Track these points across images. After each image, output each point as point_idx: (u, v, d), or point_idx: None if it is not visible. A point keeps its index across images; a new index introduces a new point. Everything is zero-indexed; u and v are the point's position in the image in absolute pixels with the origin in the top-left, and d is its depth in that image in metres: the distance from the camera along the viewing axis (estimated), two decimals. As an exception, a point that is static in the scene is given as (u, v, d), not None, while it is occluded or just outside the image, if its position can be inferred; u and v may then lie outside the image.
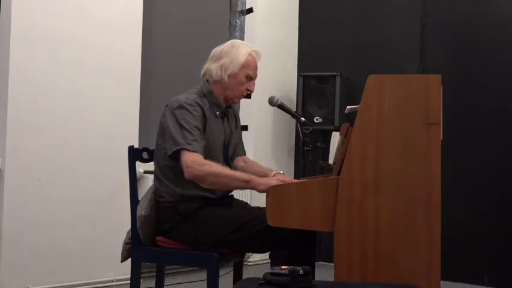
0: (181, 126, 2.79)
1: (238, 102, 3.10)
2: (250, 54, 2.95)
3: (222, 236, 2.79)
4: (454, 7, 5.21)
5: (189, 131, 2.78)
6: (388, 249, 2.51)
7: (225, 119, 3.03)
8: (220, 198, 2.92)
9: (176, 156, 2.78)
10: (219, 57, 2.95)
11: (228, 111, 3.04)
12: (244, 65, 2.93)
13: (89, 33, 4.27)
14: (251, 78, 2.96)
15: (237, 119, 3.14)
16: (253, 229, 2.75)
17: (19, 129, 3.91)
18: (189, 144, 2.75)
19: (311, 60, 5.94)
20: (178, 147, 2.76)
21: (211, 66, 2.95)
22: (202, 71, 3.00)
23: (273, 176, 2.93)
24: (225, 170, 2.79)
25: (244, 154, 3.22)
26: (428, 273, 2.50)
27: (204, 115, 2.87)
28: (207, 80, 2.99)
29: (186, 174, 2.75)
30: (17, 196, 3.89)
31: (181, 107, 2.83)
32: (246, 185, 2.75)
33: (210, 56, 3.00)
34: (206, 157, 2.79)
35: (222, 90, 2.96)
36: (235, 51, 2.94)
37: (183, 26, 5.19)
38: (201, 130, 2.83)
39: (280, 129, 5.82)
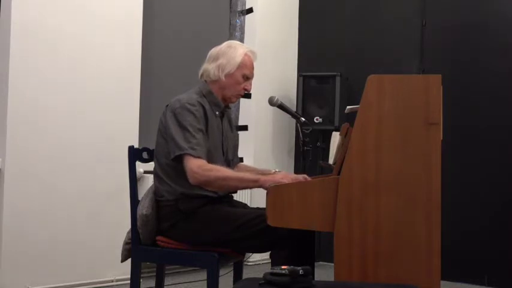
0: (183, 128, 2.80)
1: (235, 101, 3.15)
2: (246, 54, 3.00)
3: (222, 234, 2.80)
4: (454, 7, 5.21)
5: (192, 134, 2.79)
6: (388, 249, 2.51)
7: (223, 118, 3.06)
8: (221, 197, 2.93)
9: (179, 159, 2.80)
10: (216, 58, 2.99)
11: (225, 111, 3.07)
12: (241, 65, 2.97)
13: (89, 33, 4.27)
14: (248, 77, 3.01)
15: (230, 121, 3.16)
16: (253, 228, 2.75)
17: (19, 129, 3.91)
18: (193, 149, 2.77)
19: (311, 60, 5.94)
20: (182, 152, 2.77)
21: (209, 67, 3.00)
22: (200, 72, 3.04)
23: (273, 173, 2.96)
24: (231, 173, 2.83)
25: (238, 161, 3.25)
26: (428, 273, 2.50)
27: (205, 115, 2.89)
28: (205, 81, 3.02)
29: (191, 180, 2.77)
30: (17, 196, 3.89)
31: (183, 107, 2.84)
32: (253, 184, 2.78)
33: (208, 57, 3.05)
34: (208, 157, 2.82)
35: (220, 89, 3.00)
36: (231, 51, 2.98)
37: (183, 26, 5.19)
38: (204, 132, 2.85)
39: (280, 129, 5.82)
